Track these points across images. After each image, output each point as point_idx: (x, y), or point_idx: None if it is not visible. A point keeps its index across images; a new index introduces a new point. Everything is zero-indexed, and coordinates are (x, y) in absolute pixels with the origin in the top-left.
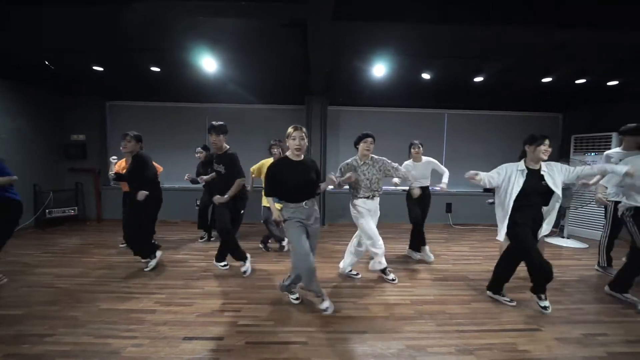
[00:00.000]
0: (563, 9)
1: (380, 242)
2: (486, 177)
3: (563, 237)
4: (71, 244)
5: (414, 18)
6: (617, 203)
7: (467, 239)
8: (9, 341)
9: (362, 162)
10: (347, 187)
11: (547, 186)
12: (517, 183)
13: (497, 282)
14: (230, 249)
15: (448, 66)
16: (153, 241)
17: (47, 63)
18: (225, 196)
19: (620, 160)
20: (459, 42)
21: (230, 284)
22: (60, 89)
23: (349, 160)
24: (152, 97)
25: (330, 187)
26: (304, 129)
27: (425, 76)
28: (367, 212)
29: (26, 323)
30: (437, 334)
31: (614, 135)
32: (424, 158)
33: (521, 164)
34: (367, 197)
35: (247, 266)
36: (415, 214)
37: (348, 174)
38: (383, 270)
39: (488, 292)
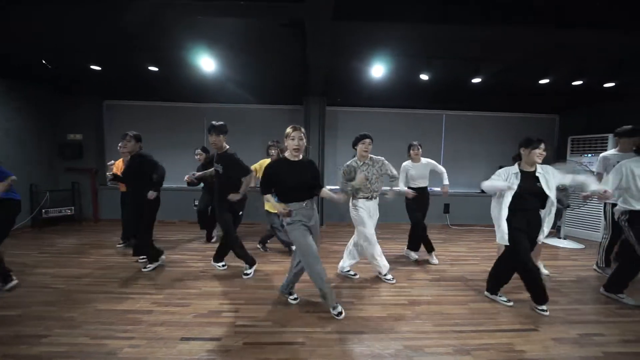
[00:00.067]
0: (563, 10)
1: (378, 249)
2: (491, 184)
3: (560, 238)
4: (68, 244)
5: (414, 18)
6: (614, 205)
7: (464, 240)
8: (6, 342)
9: (361, 163)
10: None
11: (541, 188)
12: (512, 185)
13: (496, 283)
14: (237, 254)
15: (446, 67)
16: (158, 246)
17: (44, 62)
18: (240, 192)
19: (618, 162)
20: (458, 43)
21: (228, 285)
22: (57, 88)
23: (348, 162)
24: (150, 97)
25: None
26: (302, 129)
27: (424, 77)
28: (367, 214)
29: (23, 324)
30: (434, 334)
31: (610, 136)
32: (423, 159)
33: (515, 167)
34: (367, 198)
35: (251, 271)
36: (417, 215)
37: (360, 175)
38: (380, 272)
39: (486, 292)
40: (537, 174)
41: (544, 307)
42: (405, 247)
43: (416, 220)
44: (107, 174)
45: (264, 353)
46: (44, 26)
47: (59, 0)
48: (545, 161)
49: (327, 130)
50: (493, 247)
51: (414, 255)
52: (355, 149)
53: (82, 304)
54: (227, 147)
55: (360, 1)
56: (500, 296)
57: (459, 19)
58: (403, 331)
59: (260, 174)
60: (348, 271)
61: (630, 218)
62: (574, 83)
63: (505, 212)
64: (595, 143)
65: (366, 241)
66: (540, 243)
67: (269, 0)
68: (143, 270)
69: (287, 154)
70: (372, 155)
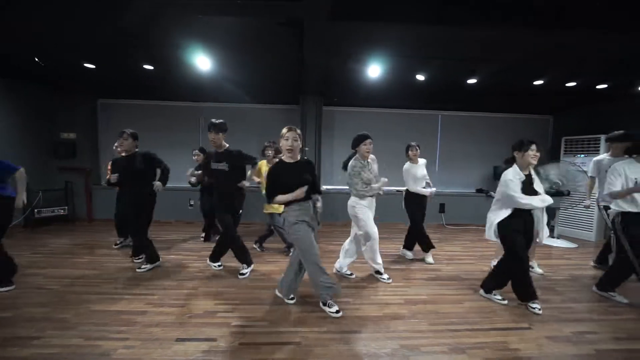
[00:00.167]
0: (562, 11)
1: (377, 251)
2: (518, 196)
3: (553, 237)
4: (61, 244)
5: (411, 19)
6: (607, 208)
7: (459, 239)
8: None
9: (365, 162)
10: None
11: (536, 191)
12: None
13: (494, 284)
14: (236, 253)
15: (442, 68)
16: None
17: (37, 59)
18: (247, 180)
19: (610, 167)
20: (454, 44)
21: (224, 285)
22: (51, 86)
23: (353, 162)
24: (145, 96)
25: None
26: (298, 130)
27: (420, 77)
28: (370, 213)
29: (14, 325)
30: (430, 333)
31: (603, 137)
32: (420, 159)
33: (519, 172)
34: (371, 196)
35: (248, 271)
36: (419, 217)
37: (384, 180)
38: (377, 271)
39: (481, 291)
40: (533, 177)
41: (538, 305)
42: (402, 246)
43: (418, 220)
44: (108, 177)
45: (260, 353)
46: (44, 26)
47: None
48: (539, 162)
49: (323, 130)
50: (488, 247)
51: (409, 254)
52: (357, 149)
53: (75, 304)
54: (227, 145)
55: (357, 1)
56: (494, 295)
57: (456, 20)
58: (399, 330)
59: (257, 175)
60: (345, 271)
61: (623, 220)
62: (567, 84)
63: (506, 213)
64: (588, 144)
65: (370, 240)
66: (542, 243)
67: None
68: (138, 270)
69: (282, 156)
70: (371, 155)
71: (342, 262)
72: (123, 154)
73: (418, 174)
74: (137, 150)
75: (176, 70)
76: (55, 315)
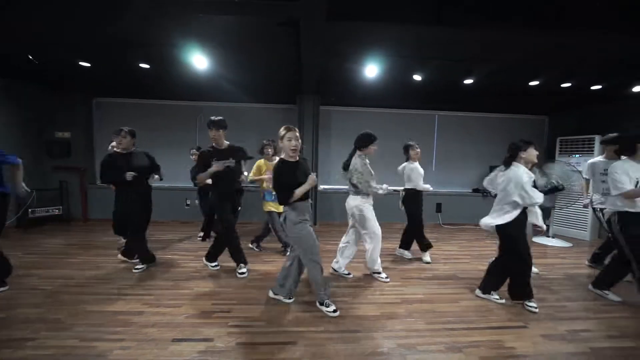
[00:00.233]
0: (562, 12)
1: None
2: (534, 194)
3: (548, 237)
4: (55, 244)
5: (408, 19)
6: (602, 210)
7: (456, 239)
8: None
9: (368, 162)
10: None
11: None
12: None
13: (492, 284)
14: (232, 253)
15: (440, 68)
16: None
17: (30, 57)
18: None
19: (605, 169)
20: (451, 44)
21: (220, 285)
22: (46, 85)
23: (363, 160)
24: (142, 95)
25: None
26: (296, 129)
27: (417, 77)
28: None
29: (7, 327)
30: (426, 332)
31: (597, 137)
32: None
33: (529, 172)
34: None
35: (245, 270)
36: (421, 215)
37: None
38: (376, 271)
39: (477, 291)
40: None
41: (534, 304)
42: (398, 246)
43: (421, 218)
44: (128, 174)
45: (257, 353)
46: (44, 26)
47: None
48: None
49: (320, 129)
50: (484, 246)
51: (408, 254)
52: (364, 149)
53: (70, 305)
54: (227, 142)
55: (354, 2)
56: (492, 295)
57: (453, 21)
58: (396, 329)
59: (258, 173)
60: (342, 270)
61: (620, 219)
62: (563, 85)
63: (516, 214)
64: (583, 144)
65: (376, 239)
66: (530, 240)
67: None
68: (134, 270)
69: (283, 155)
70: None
71: (342, 262)
72: (121, 152)
73: (422, 172)
74: (134, 148)
75: (173, 69)
76: (50, 316)
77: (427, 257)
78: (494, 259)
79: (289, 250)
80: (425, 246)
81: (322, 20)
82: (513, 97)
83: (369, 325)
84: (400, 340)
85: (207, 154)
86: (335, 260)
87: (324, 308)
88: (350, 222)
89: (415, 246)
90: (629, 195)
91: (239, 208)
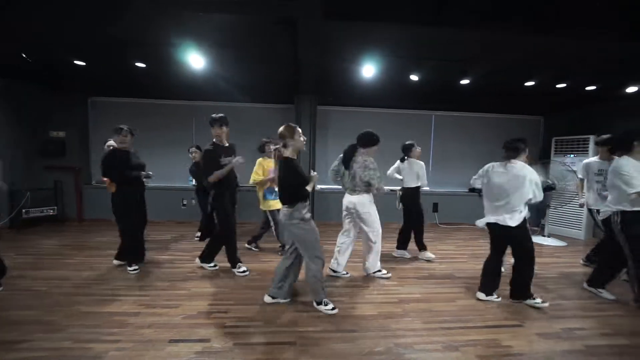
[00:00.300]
0: (562, 12)
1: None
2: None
3: (544, 236)
4: (50, 245)
5: (406, 19)
6: (599, 210)
7: (452, 238)
8: None
9: None
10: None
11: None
12: None
13: (492, 284)
14: (230, 253)
15: (436, 68)
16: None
17: (24, 55)
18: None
19: (599, 169)
20: (450, 45)
21: (217, 285)
22: (40, 84)
23: (368, 157)
24: (138, 94)
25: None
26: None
27: (414, 77)
28: None
29: (2, 329)
30: (423, 331)
31: (592, 137)
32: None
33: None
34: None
35: (245, 268)
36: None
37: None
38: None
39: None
40: None
41: (539, 299)
42: (395, 247)
43: (423, 216)
44: (142, 173)
45: (255, 353)
46: (24, 16)
47: None
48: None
49: (318, 129)
50: (480, 246)
51: (407, 254)
52: (367, 149)
53: (64, 306)
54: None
55: (351, 1)
56: (493, 295)
57: (452, 21)
58: (393, 329)
59: (260, 173)
60: (340, 270)
61: (623, 218)
62: (558, 85)
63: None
64: (578, 144)
65: (377, 237)
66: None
67: None
68: (129, 270)
69: (288, 154)
70: None
71: (342, 262)
72: (122, 150)
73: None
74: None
75: (170, 69)
76: (44, 317)
77: (428, 254)
78: (487, 259)
79: (285, 249)
80: (424, 246)
81: (318, 19)
82: (509, 97)
83: (366, 324)
84: (398, 340)
85: (215, 152)
86: (334, 260)
87: (322, 307)
88: (347, 222)
89: (412, 246)
90: None
91: (236, 205)
